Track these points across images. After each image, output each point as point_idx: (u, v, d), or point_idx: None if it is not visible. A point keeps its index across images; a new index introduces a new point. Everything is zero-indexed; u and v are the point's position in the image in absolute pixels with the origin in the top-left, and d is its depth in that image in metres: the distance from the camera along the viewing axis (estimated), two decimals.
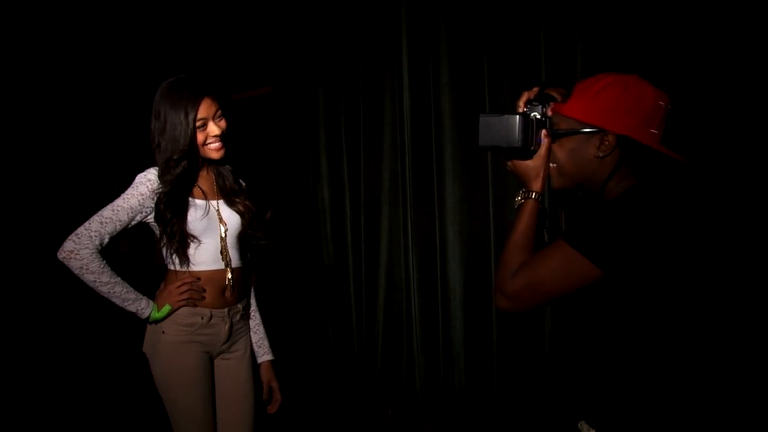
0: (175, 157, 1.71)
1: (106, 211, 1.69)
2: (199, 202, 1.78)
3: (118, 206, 1.69)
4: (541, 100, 1.28)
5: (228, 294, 1.83)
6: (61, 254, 1.66)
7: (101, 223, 1.67)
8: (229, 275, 1.82)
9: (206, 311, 1.79)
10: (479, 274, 3.03)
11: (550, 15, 2.71)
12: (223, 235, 1.81)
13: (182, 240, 1.74)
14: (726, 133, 2.23)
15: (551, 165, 1.28)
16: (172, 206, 1.72)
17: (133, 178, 1.76)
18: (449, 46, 3.04)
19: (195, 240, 1.76)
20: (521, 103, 1.29)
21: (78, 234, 1.66)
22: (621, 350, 1.19)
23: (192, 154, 1.73)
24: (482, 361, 3.04)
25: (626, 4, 2.47)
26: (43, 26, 3.93)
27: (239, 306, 1.88)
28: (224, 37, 4.06)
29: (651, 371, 1.16)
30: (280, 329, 3.98)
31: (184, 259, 1.77)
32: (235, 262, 1.85)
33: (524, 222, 1.26)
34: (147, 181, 1.73)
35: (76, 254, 1.64)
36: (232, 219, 1.84)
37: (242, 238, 1.88)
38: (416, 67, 3.20)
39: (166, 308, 1.75)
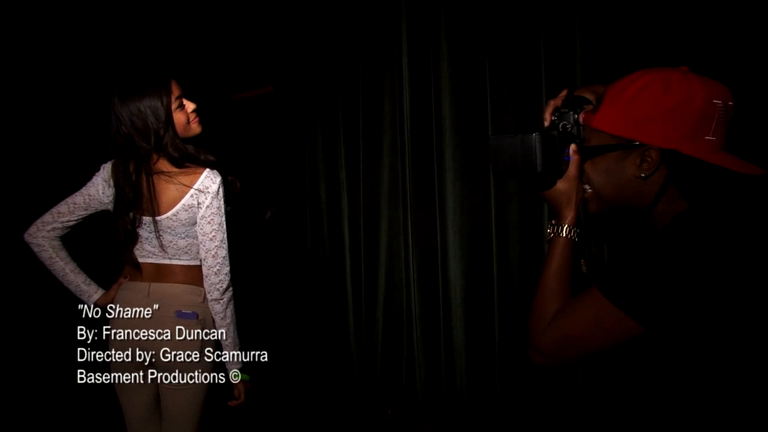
0: (165, 139, 1.76)
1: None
2: None
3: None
4: (571, 105, 1.07)
5: None
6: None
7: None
8: None
9: None
10: (480, 273, 3.02)
11: (549, 14, 2.71)
12: None
13: None
14: None
15: (586, 188, 1.08)
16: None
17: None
18: (450, 45, 3.04)
19: None
20: (547, 115, 1.10)
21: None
22: (667, 417, 0.99)
23: (174, 133, 1.78)
24: (483, 361, 3.03)
25: (626, 2, 2.47)
26: (42, 25, 3.93)
27: None
28: (225, 36, 4.06)
29: None
30: (280, 330, 3.99)
31: None
32: None
33: (555, 262, 1.07)
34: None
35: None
36: None
37: None
38: (416, 67, 3.20)
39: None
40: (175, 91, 1.78)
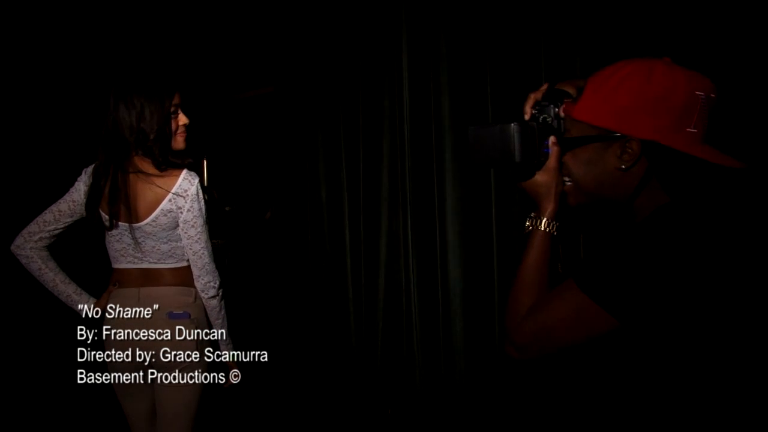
0: (151, 137, 1.76)
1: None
2: None
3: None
4: (552, 98, 1.06)
5: None
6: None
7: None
8: None
9: None
10: (481, 274, 3.02)
11: (550, 14, 2.71)
12: None
13: None
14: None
15: (566, 180, 1.06)
16: None
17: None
18: (449, 46, 3.04)
19: None
20: (527, 108, 1.09)
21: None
22: (638, 416, 0.97)
23: (164, 138, 1.78)
24: (484, 362, 3.03)
25: (626, 3, 2.47)
26: (43, 24, 3.93)
27: None
28: (225, 37, 4.06)
29: None
30: (280, 330, 3.98)
31: None
32: None
33: (533, 255, 1.06)
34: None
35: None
36: None
37: None
38: (416, 68, 3.20)
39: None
40: (176, 99, 1.80)
